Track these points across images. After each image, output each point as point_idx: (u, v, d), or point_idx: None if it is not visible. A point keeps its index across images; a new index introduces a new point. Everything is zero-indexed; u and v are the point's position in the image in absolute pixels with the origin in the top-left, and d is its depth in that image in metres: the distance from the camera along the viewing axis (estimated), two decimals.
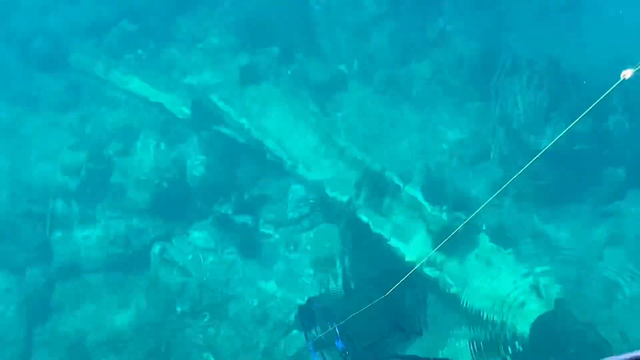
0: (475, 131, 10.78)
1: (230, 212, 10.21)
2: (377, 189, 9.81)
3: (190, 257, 9.65)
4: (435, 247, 7.89)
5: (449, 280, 8.95)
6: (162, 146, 10.96)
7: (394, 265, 9.08)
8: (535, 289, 8.70)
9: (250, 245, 9.85)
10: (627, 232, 9.69)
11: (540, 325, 8.36)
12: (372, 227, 9.53)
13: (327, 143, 10.51)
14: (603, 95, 3.74)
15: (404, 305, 8.81)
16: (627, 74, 3.04)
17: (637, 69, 2.89)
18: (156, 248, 9.72)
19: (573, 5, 12.85)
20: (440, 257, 9.04)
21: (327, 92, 11.32)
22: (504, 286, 8.74)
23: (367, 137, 10.63)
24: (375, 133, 10.73)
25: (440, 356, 8.34)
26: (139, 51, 12.36)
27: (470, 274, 8.91)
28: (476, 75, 11.42)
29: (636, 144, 10.37)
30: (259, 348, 8.67)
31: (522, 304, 8.54)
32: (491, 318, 8.54)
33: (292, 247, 9.76)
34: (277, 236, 9.97)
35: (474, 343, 8.45)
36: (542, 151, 4.34)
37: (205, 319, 8.97)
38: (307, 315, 8.51)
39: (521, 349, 8.26)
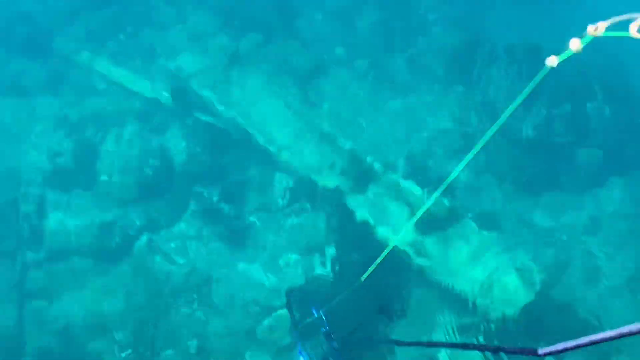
0: (457, 117, 10.87)
1: (214, 198, 10.22)
2: (361, 174, 9.88)
3: (175, 243, 9.67)
4: (411, 223, 7.95)
5: (433, 264, 9.06)
6: (145, 133, 10.90)
7: (379, 249, 9.13)
8: (517, 271, 8.85)
9: (235, 231, 9.89)
10: (606, 214, 9.88)
11: (522, 307, 8.52)
12: (356, 212, 9.60)
13: (310, 129, 10.54)
14: (531, 86, 3.79)
15: (388, 290, 8.91)
16: (552, 60, 3.07)
17: (561, 57, 2.94)
18: (141, 234, 9.75)
19: None
20: (423, 242, 9.15)
21: (310, 78, 11.32)
22: (486, 269, 8.88)
23: (350, 122, 10.67)
24: (359, 119, 10.76)
25: (424, 339, 8.47)
26: (120, 36, 12.24)
27: (454, 257, 9.04)
28: (458, 62, 11.52)
29: (614, 129, 10.54)
30: (244, 332, 8.75)
31: (504, 287, 8.69)
32: (474, 300, 8.69)
33: (276, 233, 9.80)
34: (261, 222, 10.00)
35: (458, 325, 8.58)
36: (500, 123, 4.24)
37: (192, 304, 9.02)
38: (291, 302, 8.58)
39: (503, 330, 8.41)
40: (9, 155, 10.67)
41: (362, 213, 9.57)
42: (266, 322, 8.84)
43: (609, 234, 9.60)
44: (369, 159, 10.03)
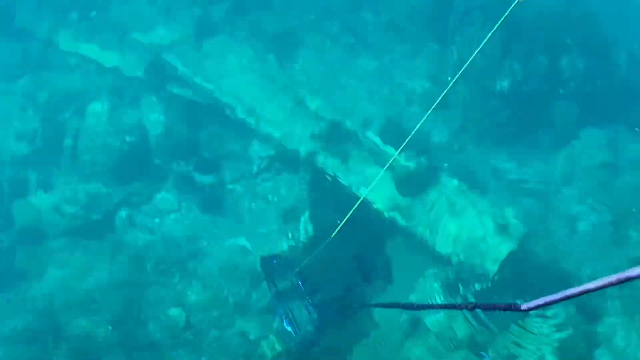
0: (433, 76, 10.81)
1: (192, 170, 10.16)
2: (338, 137, 9.83)
3: (154, 216, 9.63)
4: (381, 172, 7.90)
5: (413, 224, 9.05)
6: (121, 109, 10.78)
7: (359, 211, 9.11)
8: (499, 226, 8.88)
9: (214, 202, 9.85)
10: (584, 166, 9.94)
11: (503, 260, 8.57)
12: (335, 175, 9.57)
13: (287, 96, 10.44)
14: (501, 20, 3.74)
15: (369, 252, 8.91)
16: None
17: None
18: (120, 210, 9.68)
19: None
20: (403, 201, 9.14)
21: (283, 44, 11.18)
22: (468, 225, 8.91)
23: (325, 86, 10.57)
24: (334, 82, 10.67)
25: (407, 299, 8.47)
26: (89, 12, 12.00)
27: (436, 215, 9.04)
28: (431, 21, 11.41)
29: (589, 80, 10.55)
30: (229, 301, 8.73)
31: (487, 242, 8.72)
32: (458, 258, 8.72)
33: (256, 201, 9.77)
34: (240, 191, 9.97)
35: (442, 284, 8.60)
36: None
37: (174, 276, 8.98)
38: (270, 269, 8.55)
39: (489, 286, 8.46)
40: None
41: (339, 176, 9.54)
42: (250, 289, 8.82)
43: (586, 184, 9.66)
44: (344, 121, 9.97)
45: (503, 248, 8.66)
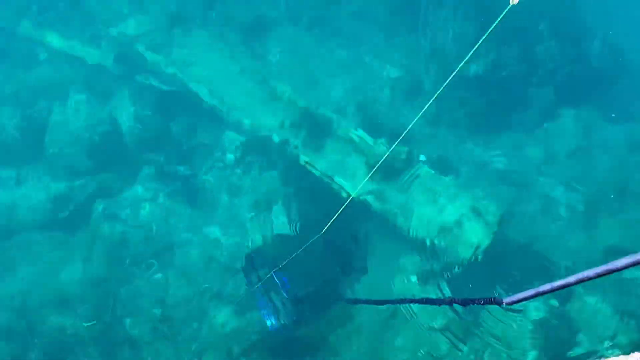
0: (406, 64, 10.80)
1: (167, 161, 10.09)
2: (314, 127, 9.77)
3: (130, 209, 9.50)
4: (367, 177, 7.89)
5: (392, 212, 9.00)
6: (92, 101, 10.62)
7: (336, 200, 9.11)
8: (475, 212, 8.86)
9: (190, 193, 9.78)
10: (559, 149, 10.02)
11: (483, 247, 8.55)
12: (310, 164, 9.50)
13: (259, 85, 10.37)
14: (495, 23, 3.79)
15: (346, 243, 8.90)
16: None
17: None
18: (95, 203, 9.53)
19: None
20: (381, 191, 9.12)
21: (255, 34, 11.13)
22: (446, 213, 8.88)
23: (299, 76, 10.55)
24: (307, 72, 10.65)
25: (387, 290, 8.45)
26: (59, 5, 11.83)
27: (412, 203, 9.00)
28: (404, 9, 11.38)
29: (563, 64, 10.61)
30: (208, 292, 8.65)
31: (465, 229, 8.70)
32: (435, 245, 8.68)
33: (232, 192, 9.70)
34: (215, 181, 9.90)
35: (419, 271, 8.59)
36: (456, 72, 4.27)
37: (152, 269, 8.88)
38: (250, 262, 8.51)
39: (465, 271, 8.46)
40: None
41: (316, 165, 9.46)
42: (229, 282, 8.76)
43: (563, 167, 9.75)
44: (319, 110, 9.90)
45: (479, 233, 8.65)
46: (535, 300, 8.00)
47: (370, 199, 9.08)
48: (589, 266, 2.50)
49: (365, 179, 6.39)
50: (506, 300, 2.78)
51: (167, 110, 10.48)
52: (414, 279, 8.55)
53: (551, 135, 10.16)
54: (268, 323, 7.90)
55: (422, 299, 4.99)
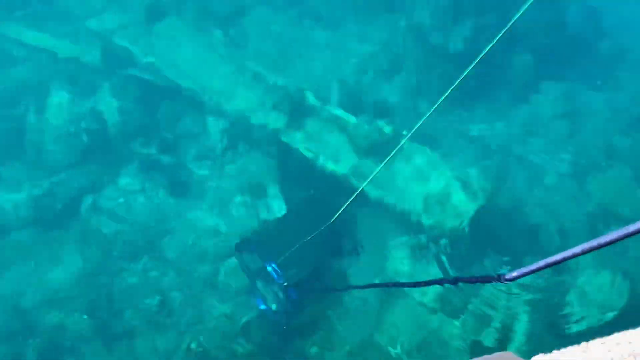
0: (385, 41, 10.77)
1: (154, 153, 10.05)
2: (297, 110, 9.77)
3: (119, 202, 9.50)
4: (380, 166, 7.90)
5: (378, 190, 9.05)
6: (74, 97, 10.56)
7: (323, 182, 9.13)
8: (462, 184, 8.92)
9: (178, 183, 9.76)
10: (542, 117, 10.05)
11: (474, 219, 8.62)
12: (295, 147, 9.53)
13: (240, 71, 10.36)
14: (520, 12, 3.78)
15: (335, 225, 8.91)
16: None
17: None
18: (84, 199, 9.52)
19: None
20: (366, 167, 9.12)
21: (232, 20, 11.08)
22: (431, 186, 8.93)
23: (278, 59, 10.53)
24: (287, 54, 10.63)
25: (380, 270, 8.50)
26: (33, 1, 11.72)
27: (398, 180, 9.05)
28: None
29: (542, 33, 10.60)
30: (201, 282, 8.69)
31: (454, 202, 8.76)
32: (425, 220, 8.74)
33: (220, 179, 9.71)
34: (204, 169, 9.89)
35: (413, 248, 8.64)
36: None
37: (144, 261, 8.89)
38: (240, 248, 8.53)
39: (458, 244, 8.53)
40: None
41: (301, 147, 9.49)
42: (222, 269, 8.79)
43: (546, 135, 9.78)
44: (301, 92, 9.91)
45: (469, 205, 8.72)
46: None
47: (357, 178, 9.08)
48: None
49: (376, 171, 6.39)
50: (508, 276, 2.80)
51: (150, 101, 10.43)
52: (408, 255, 8.59)
53: (533, 103, 10.21)
54: (262, 307, 7.95)
55: (424, 281, 4.95)
